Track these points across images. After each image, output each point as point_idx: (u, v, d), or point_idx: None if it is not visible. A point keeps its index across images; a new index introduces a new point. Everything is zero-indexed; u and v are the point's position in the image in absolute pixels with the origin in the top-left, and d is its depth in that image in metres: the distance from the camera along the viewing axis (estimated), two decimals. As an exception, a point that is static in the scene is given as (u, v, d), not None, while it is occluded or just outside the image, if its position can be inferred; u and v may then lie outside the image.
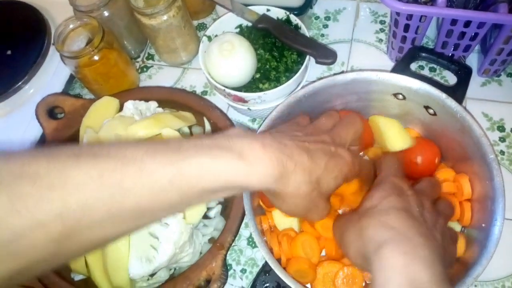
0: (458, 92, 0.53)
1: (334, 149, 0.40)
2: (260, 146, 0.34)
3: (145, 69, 0.73)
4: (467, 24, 0.54)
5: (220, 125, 0.59)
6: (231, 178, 0.33)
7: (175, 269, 0.54)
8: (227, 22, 0.63)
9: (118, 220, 0.30)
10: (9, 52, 0.70)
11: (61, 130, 0.61)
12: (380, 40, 0.70)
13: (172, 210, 0.33)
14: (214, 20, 0.64)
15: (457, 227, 0.48)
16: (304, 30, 0.59)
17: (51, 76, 0.69)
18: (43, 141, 0.64)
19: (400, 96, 0.51)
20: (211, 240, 0.55)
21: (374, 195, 0.40)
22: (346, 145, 0.43)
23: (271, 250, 0.46)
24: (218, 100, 0.63)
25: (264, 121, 0.50)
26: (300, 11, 0.63)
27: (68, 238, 0.28)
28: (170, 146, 0.32)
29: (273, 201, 0.39)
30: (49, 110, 0.63)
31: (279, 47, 0.60)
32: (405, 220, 0.36)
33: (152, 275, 0.51)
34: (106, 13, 0.64)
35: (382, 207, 0.38)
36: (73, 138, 0.60)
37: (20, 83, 0.67)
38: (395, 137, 0.51)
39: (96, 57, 0.60)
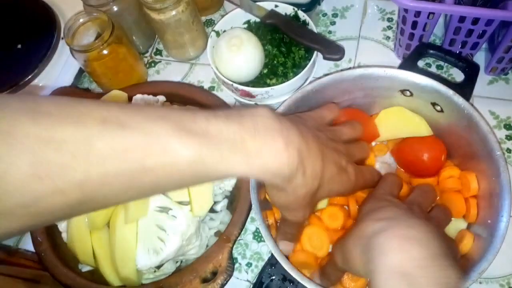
0: (465, 89, 0.53)
1: (345, 164, 0.41)
2: (283, 145, 0.34)
3: (153, 64, 0.74)
4: (475, 21, 0.54)
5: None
6: (245, 172, 0.33)
7: (181, 261, 0.55)
8: (235, 17, 0.63)
9: (133, 192, 0.30)
10: (19, 46, 0.71)
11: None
12: (388, 38, 0.70)
13: (182, 187, 0.34)
14: (222, 16, 0.64)
15: (462, 223, 0.48)
16: (312, 26, 0.59)
17: (60, 70, 0.70)
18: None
19: (408, 93, 0.51)
20: (217, 233, 0.55)
21: (364, 207, 0.42)
22: (353, 162, 0.44)
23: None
24: (226, 95, 0.63)
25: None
26: (308, 7, 0.63)
27: (84, 204, 0.29)
28: (197, 123, 0.31)
29: (268, 188, 0.40)
30: (59, 104, 0.63)
31: (287, 43, 0.60)
32: (396, 210, 0.38)
33: (158, 267, 0.52)
34: (115, 8, 0.64)
35: (372, 209, 0.40)
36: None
37: (30, 76, 0.68)
38: (422, 122, 0.52)
39: (105, 51, 0.61)
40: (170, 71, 0.73)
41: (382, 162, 0.55)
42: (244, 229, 0.53)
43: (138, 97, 0.59)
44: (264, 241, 0.45)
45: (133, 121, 0.30)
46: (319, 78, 0.52)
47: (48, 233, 0.54)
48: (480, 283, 0.52)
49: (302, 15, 0.60)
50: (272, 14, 0.60)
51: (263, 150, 0.33)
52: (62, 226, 0.54)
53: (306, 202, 0.39)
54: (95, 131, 0.28)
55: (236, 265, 0.56)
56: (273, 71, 0.59)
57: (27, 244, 0.60)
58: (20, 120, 0.26)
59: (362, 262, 0.37)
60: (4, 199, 0.25)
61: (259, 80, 0.59)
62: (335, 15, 0.73)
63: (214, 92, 0.68)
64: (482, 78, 0.63)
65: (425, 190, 0.47)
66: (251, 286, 0.55)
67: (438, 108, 0.50)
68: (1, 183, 0.25)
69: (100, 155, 0.28)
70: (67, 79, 0.69)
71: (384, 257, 0.33)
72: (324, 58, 0.56)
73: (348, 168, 0.41)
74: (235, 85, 0.56)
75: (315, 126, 0.42)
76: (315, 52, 0.57)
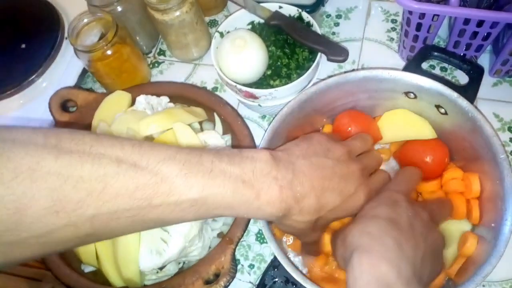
0: (469, 92, 0.53)
1: (354, 190, 0.42)
2: (277, 190, 0.37)
3: (156, 65, 0.74)
4: (480, 23, 0.54)
5: (230, 121, 0.59)
6: (243, 212, 0.37)
7: (184, 262, 0.55)
8: (239, 18, 0.63)
9: (138, 226, 0.33)
10: (23, 45, 0.71)
11: (74, 123, 0.62)
12: (392, 39, 0.69)
13: (184, 222, 0.36)
14: (226, 16, 0.64)
15: (466, 225, 0.48)
16: (316, 27, 0.59)
17: (64, 69, 0.70)
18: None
19: (412, 95, 0.51)
20: (220, 234, 0.55)
21: (366, 205, 0.42)
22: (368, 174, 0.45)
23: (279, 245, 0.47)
24: (229, 96, 0.63)
25: (274, 117, 0.50)
26: (312, 8, 0.63)
27: (91, 236, 0.31)
28: (203, 164, 0.35)
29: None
30: (62, 103, 0.63)
31: (291, 44, 0.60)
32: (384, 227, 0.38)
33: (161, 268, 0.52)
34: (119, 8, 0.64)
35: (366, 215, 0.40)
36: (86, 131, 0.61)
37: (33, 76, 0.68)
38: (426, 125, 0.53)
39: (109, 52, 0.61)
40: (173, 71, 0.73)
41: (385, 165, 0.55)
42: (246, 231, 0.53)
43: (141, 97, 0.59)
44: (266, 242, 0.45)
45: (144, 161, 0.32)
46: (323, 79, 0.52)
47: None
48: (483, 286, 0.52)
49: (306, 16, 0.60)
50: (276, 15, 0.60)
51: (260, 195, 0.36)
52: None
53: (310, 230, 0.42)
54: (110, 171, 0.30)
55: (239, 267, 0.56)
56: (276, 73, 0.59)
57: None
58: (44, 157, 0.29)
59: (343, 264, 0.39)
60: (21, 230, 0.28)
61: (263, 82, 0.59)
62: (339, 16, 0.73)
63: (218, 93, 0.68)
64: (487, 80, 0.63)
65: (444, 204, 0.48)
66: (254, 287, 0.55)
67: (442, 110, 0.50)
68: (22, 216, 0.27)
69: (112, 193, 0.30)
70: (70, 79, 0.69)
71: (353, 272, 0.35)
72: (328, 59, 0.56)
73: (358, 192, 0.42)
74: (238, 86, 0.56)
75: (324, 149, 0.42)
76: (319, 54, 0.57)
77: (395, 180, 0.47)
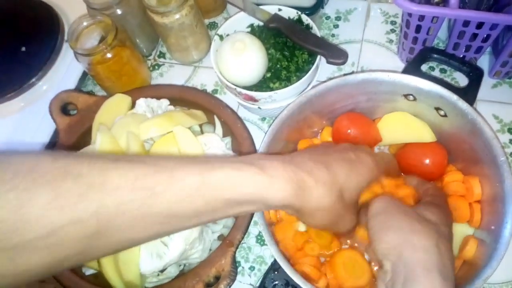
0: (469, 93, 0.53)
1: (355, 156, 0.41)
2: (280, 163, 0.36)
3: (156, 67, 0.74)
4: (480, 25, 0.54)
5: (230, 123, 0.59)
6: (252, 190, 0.34)
7: (185, 265, 0.55)
8: (238, 21, 0.63)
9: (146, 223, 0.32)
10: (23, 48, 0.71)
11: (74, 126, 0.62)
12: (391, 41, 0.70)
13: (199, 220, 0.34)
14: (226, 19, 0.64)
15: (467, 229, 0.48)
16: (315, 30, 0.59)
17: (64, 73, 0.70)
18: (56, 137, 0.65)
19: (411, 97, 0.51)
20: (221, 237, 0.56)
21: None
22: (368, 149, 0.44)
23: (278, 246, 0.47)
24: (229, 99, 0.63)
25: (274, 120, 0.50)
26: (311, 11, 0.63)
27: (99, 237, 0.30)
28: (198, 159, 0.35)
29: (301, 219, 0.40)
30: (62, 107, 0.64)
31: (290, 47, 0.60)
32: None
33: (162, 271, 0.52)
34: (119, 11, 0.65)
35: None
36: (86, 135, 0.61)
37: (34, 79, 0.68)
38: (426, 128, 0.53)
39: (109, 55, 0.61)
40: (173, 74, 0.73)
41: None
42: (247, 233, 0.53)
43: (141, 101, 0.60)
44: (267, 244, 0.45)
45: (142, 158, 0.34)
46: (323, 82, 0.52)
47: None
48: (484, 288, 0.52)
49: (305, 19, 0.60)
50: (276, 18, 0.60)
51: (265, 168, 0.35)
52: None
53: (341, 211, 0.39)
54: (109, 165, 0.31)
55: (239, 269, 0.57)
56: (276, 75, 0.59)
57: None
58: (42, 160, 0.29)
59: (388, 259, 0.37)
60: (25, 230, 0.28)
61: (262, 84, 0.59)
62: (338, 18, 0.73)
63: (217, 95, 0.68)
64: (486, 82, 0.63)
65: (436, 193, 0.47)
66: (254, 290, 0.55)
67: (442, 112, 0.50)
68: (25, 213, 0.27)
69: (114, 184, 0.30)
70: (71, 82, 0.69)
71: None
72: (328, 62, 0.56)
73: (360, 157, 0.41)
74: (238, 89, 0.56)
75: (312, 149, 0.43)
76: (318, 56, 0.57)
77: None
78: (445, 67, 0.66)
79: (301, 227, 0.51)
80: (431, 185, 0.49)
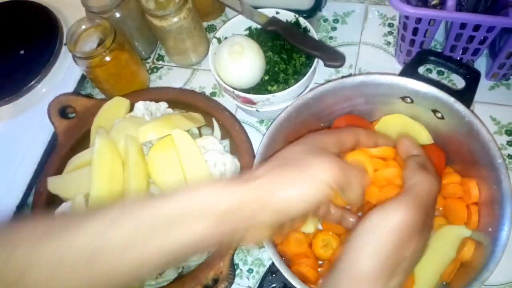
0: (466, 96, 0.53)
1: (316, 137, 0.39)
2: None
3: (155, 70, 0.74)
4: (477, 28, 0.55)
5: (228, 126, 0.59)
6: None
7: (183, 268, 0.55)
8: (236, 24, 0.63)
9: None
10: (22, 51, 0.72)
11: (73, 129, 0.62)
12: (388, 43, 0.70)
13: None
14: (224, 22, 0.64)
15: (465, 231, 0.48)
16: (313, 32, 0.59)
17: (63, 76, 0.70)
18: (54, 140, 0.65)
19: (408, 100, 0.51)
20: (219, 240, 0.56)
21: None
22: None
23: (277, 250, 0.47)
24: (227, 102, 0.63)
25: (272, 122, 0.50)
26: (309, 13, 0.64)
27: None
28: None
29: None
30: (61, 110, 0.64)
31: (288, 50, 0.60)
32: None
33: (160, 273, 0.52)
34: (117, 15, 0.65)
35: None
36: (85, 138, 0.61)
37: (32, 82, 0.69)
38: (423, 130, 0.53)
39: (107, 58, 0.61)
40: (172, 76, 0.73)
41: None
42: (245, 236, 0.53)
43: (140, 104, 0.60)
44: (265, 247, 0.45)
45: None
46: (320, 84, 0.52)
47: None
48: (482, 290, 0.52)
49: (303, 22, 0.61)
50: (273, 21, 0.60)
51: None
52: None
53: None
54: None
55: (238, 271, 0.57)
56: (274, 78, 0.59)
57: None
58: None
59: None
60: None
61: (260, 87, 0.59)
62: (336, 21, 0.73)
63: (216, 98, 0.68)
64: (483, 84, 0.63)
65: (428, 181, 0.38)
66: (253, 292, 0.55)
67: (439, 115, 0.50)
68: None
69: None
70: (69, 85, 0.70)
71: None
72: (325, 65, 0.56)
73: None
74: (236, 92, 0.57)
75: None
76: (316, 59, 0.57)
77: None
78: (442, 69, 0.66)
79: (308, 228, 0.51)
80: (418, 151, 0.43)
